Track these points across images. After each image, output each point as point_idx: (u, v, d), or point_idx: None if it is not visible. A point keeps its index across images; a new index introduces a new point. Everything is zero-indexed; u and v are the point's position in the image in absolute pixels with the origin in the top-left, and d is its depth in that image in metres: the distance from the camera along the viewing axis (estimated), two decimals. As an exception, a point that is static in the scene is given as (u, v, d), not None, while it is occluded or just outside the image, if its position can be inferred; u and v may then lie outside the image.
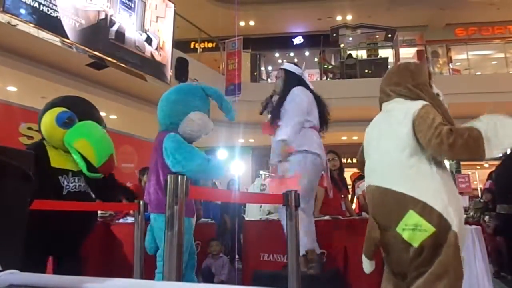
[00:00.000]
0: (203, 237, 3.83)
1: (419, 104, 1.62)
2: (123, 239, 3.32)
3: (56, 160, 2.19)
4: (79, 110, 2.27)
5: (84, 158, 2.15)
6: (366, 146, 1.82)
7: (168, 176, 1.30)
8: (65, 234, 2.16)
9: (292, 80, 2.71)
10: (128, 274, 2.53)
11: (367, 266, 1.67)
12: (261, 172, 11.04)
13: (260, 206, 5.27)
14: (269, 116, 2.66)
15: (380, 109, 1.85)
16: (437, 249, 1.46)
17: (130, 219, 3.42)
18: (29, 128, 3.81)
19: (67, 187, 2.17)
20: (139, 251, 2.33)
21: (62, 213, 2.00)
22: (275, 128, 2.54)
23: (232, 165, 10.45)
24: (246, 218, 3.83)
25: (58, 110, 2.20)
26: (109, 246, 3.33)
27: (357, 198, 4.46)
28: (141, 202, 2.34)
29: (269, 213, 3.42)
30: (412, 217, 1.46)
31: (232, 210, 5.56)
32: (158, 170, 2.13)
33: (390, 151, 1.62)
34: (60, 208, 2.02)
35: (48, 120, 2.19)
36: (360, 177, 4.57)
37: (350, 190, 4.47)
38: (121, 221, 3.48)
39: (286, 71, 2.75)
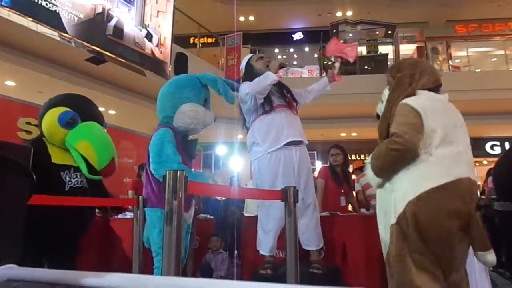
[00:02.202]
0: (203, 232, 3.83)
1: None
2: (122, 234, 3.32)
3: (57, 156, 2.15)
4: (81, 110, 2.23)
5: (85, 160, 2.11)
6: (449, 128, 1.60)
7: (167, 172, 1.29)
8: (66, 231, 2.13)
9: None
10: (127, 269, 2.54)
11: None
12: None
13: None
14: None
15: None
16: None
17: (129, 214, 3.42)
18: (28, 123, 3.80)
19: (69, 182, 2.13)
20: (138, 246, 2.33)
21: (63, 209, 1.97)
22: None
23: (231, 161, 10.45)
24: (245, 214, 3.83)
25: (61, 109, 2.15)
26: (108, 241, 3.33)
27: (356, 193, 4.29)
28: (140, 198, 2.34)
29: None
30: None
31: (231, 205, 5.55)
32: (148, 164, 2.08)
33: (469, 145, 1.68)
34: (61, 203, 2.01)
35: (50, 119, 2.14)
36: (362, 168, 4.30)
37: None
38: (120, 216, 3.48)
39: None
